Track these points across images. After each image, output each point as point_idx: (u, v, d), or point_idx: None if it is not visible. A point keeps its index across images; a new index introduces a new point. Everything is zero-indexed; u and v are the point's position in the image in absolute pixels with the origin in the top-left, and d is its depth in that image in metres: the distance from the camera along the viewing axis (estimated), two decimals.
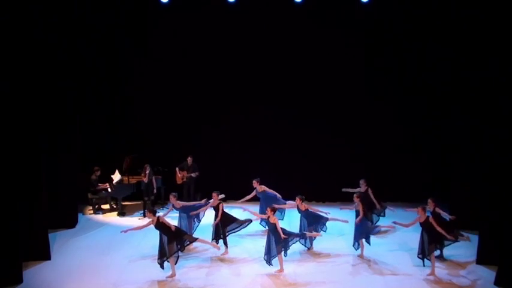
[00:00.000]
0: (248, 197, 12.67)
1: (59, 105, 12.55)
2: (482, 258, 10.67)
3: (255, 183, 12.58)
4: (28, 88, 10.54)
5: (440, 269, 10.47)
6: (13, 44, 10.08)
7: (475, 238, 11.15)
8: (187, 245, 10.60)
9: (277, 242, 10.32)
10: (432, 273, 10.15)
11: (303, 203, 11.44)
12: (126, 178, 14.45)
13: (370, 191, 12.51)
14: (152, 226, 10.16)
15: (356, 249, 11.21)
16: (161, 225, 10.07)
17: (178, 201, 11.66)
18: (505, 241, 9.76)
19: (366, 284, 9.99)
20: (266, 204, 12.03)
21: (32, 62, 10.71)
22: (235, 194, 13.46)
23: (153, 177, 14.00)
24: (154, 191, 14.09)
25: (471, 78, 11.70)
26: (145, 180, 13.81)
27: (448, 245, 10.80)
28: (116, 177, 14.53)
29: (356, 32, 14.67)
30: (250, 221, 11.48)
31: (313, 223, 11.46)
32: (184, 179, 14.43)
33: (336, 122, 15.11)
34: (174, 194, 11.65)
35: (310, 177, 14.93)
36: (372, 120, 15.10)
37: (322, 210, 11.69)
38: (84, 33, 13.28)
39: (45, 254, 10.92)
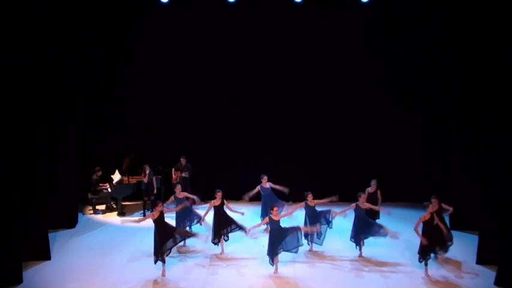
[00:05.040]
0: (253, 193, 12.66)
1: (59, 104, 12.55)
2: (482, 258, 10.67)
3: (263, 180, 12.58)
4: (28, 88, 10.53)
5: (440, 269, 10.48)
6: (13, 43, 10.07)
7: (475, 238, 11.14)
8: (180, 241, 10.55)
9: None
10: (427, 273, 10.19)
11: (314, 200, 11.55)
12: (126, 178, 14.46)
13: (379, 193, 12.45)
14: (152, 227, 10.20)
15: (356, 247, 11.18)
16: (161, 219, 10.16)
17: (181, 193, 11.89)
18: (505, 241, 9.77)
19: (366, 284, 10.00)
20: (268, 203, 12.06)
21: (32, 62, 10.70)
22: (235, 194, 13.46)
23: (153, 177, 13.99)
24: (155, 191, 14.08)
25: (472, 78, 11.70)
26: (145, 180, 13.80)
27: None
28: (116, 177, 14.53)
29: (356, 31, 14.66)
30: (244, 229, 11.25)
31: (317, 222, 11.44)
32: (178, 180, 14.46)
33: (337, 122, 15.09)
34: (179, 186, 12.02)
35: (310, 177, 14.89)
36: (373, 120, 15.09)
37: (323, 210, 11.69)
38: (83, 33, 13.27)
39: (45, 254, 10.92)
